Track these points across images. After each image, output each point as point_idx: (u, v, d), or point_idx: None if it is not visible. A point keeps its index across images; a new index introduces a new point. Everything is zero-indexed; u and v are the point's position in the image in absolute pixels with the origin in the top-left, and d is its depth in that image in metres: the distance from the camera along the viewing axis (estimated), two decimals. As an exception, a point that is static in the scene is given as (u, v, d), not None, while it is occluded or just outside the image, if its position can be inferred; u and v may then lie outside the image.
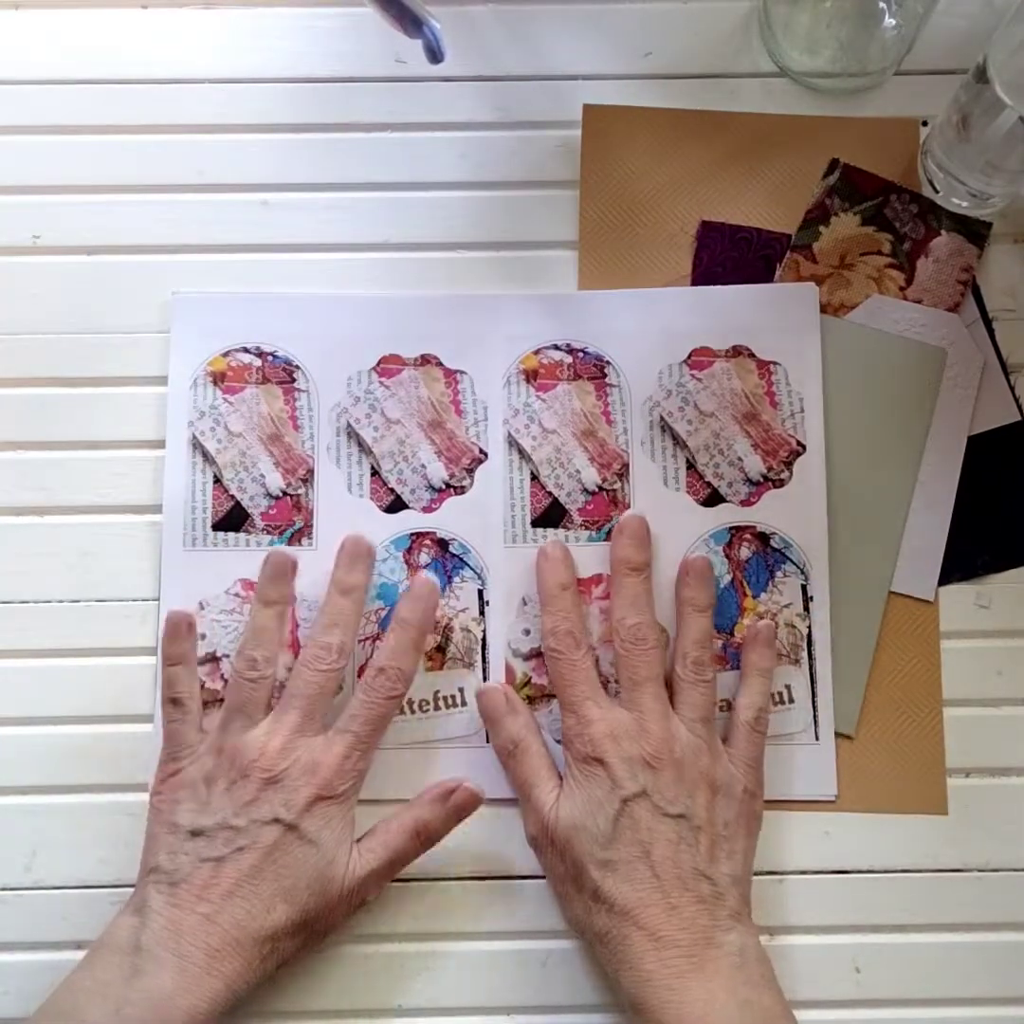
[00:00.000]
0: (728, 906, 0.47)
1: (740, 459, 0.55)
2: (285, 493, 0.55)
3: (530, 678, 0.54)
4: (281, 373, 0.56)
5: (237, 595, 0.54)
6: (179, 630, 0.52)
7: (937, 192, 0.56)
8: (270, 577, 0.53)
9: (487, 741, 0.53)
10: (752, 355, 0.56)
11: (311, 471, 0.55)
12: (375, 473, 0.55)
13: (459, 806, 0.50)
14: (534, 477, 0.55)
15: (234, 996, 0.46)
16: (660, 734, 0.49)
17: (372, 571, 0.53)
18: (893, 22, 0.55)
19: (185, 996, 0.45)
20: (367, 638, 0.54)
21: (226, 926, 0.46)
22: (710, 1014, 0.44)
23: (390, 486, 0.55)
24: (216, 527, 0.55)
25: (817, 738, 0.53)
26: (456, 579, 0.55)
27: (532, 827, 0.50)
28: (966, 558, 0.55)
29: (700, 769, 0.49)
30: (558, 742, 0.53)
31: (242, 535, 0.55)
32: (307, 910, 0.47)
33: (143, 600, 0.55)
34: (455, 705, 0.54)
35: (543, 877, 0.53)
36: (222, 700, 0.53)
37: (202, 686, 0.53)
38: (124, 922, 0.47)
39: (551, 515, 0.55)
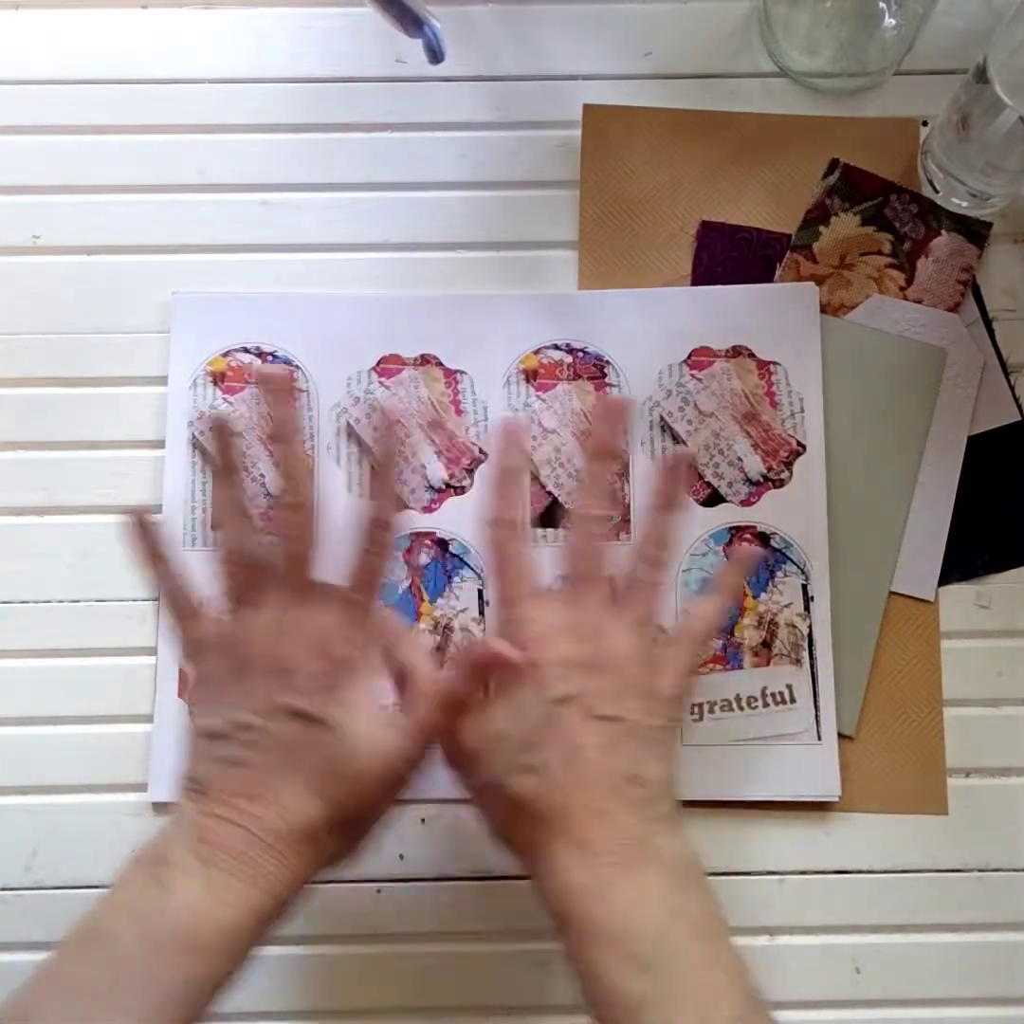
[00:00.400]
0: (660, 811, 0.43)
1: (740, 459, 0.55)
2: (285, 493, 0.55)
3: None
4: (281, 373, 0.56)
5: (237, 595, 0.54)
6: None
7: (937, 192, 0.56)
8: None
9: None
10: (752, 355, 0.56)
11: (311, 471, 0.55)
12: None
13: (476, 663, 0.45)
14: (534, 477, 0.55)
15: (274, 901, 0.41)
16: (598, 634, 0.45)
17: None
18: (893, 22, 0.55)
19: (215, 907, 0.40)
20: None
21: (255, 829, 0.42)
22: (635, 913, 0.41)
23: (390, 486, 0.55)
24: (216, 527, 0.55)
25: (819, 738, 0.53)
26: (456, 579, 0.55)
27: (445, 743, 0.46)
28: (966, 558, 0.55)
29: (635, 672, 0.45)
30: None
31: (242, 535, 0.55)
32: (340, 801, 0.42)
33: (143, 600, 0.55)
34: (455, 705, 0.54)
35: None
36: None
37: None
38: (157, 836, 0.43)
39: (551, 514, 0.55)
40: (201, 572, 0.54)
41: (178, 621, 0.46)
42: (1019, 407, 0.56)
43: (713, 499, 0.55)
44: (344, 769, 0.43)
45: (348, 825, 0.43)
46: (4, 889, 0.53)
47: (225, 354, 0.56)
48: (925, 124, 0.57)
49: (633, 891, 0.41)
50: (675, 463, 0.48)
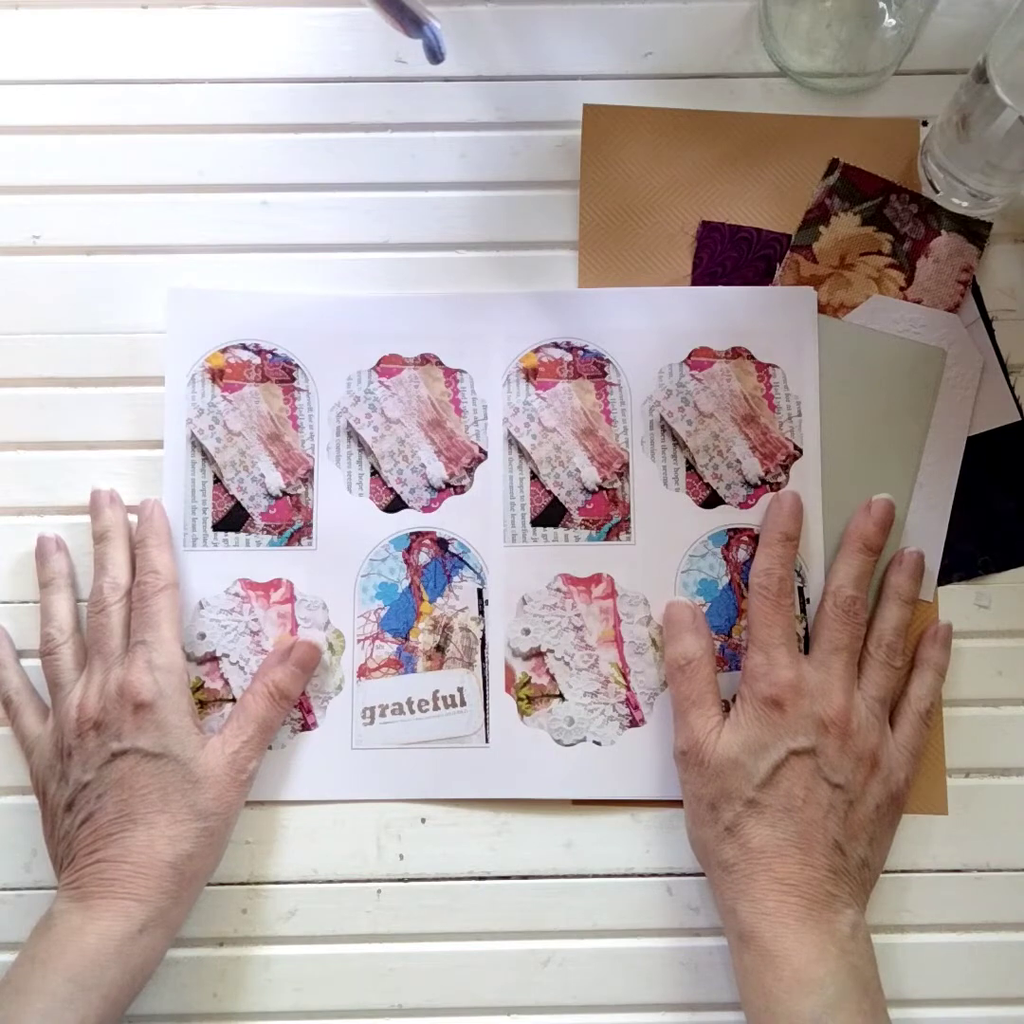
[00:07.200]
0: (850, 887, 0.48)
1: (739, 461, 0.55)
2: (285, 493, 0.55)
3: (530, 678, 0.54)
4: (280, 371, 0.56)
5: (237, 595, 0.55)
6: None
7: (937, 192, 0.56)
8: (38, 561, 0.55)
9: (487, 741, 0.53)
10: (751, 357, 0.56)
11: (311, 471, 0.55)
12: (375, 473, 0.56)
13: (301, 660, 0.52)
14: (534, 476, 0.55)
15: (156, 911, 0.47)
16: (842, 702, 0.49)
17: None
18: (893, 22, 0.55)
19: (94, 923, 0.47)
20: (366, 638, 0.54)
21: (130, 862, 0.48)
22: (820, 962, 0.45)
23: (390, 486, 0.55)
24: (216, 527, 0.55)
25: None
26: (455, 578, 0.55)
27: (684, 743, 0.50)
28: (966, 558, 0.55)
29: (869, 746, 0.49)
30: (558, 742, 0.53)
31: (242, 535, 0.55)
32: (195, 808, 0.49)
33: (143, 600, 0.55)
34: (454, 705, 0.54)
35: (543, 877, 0.53)
36: (222, 699, 0.53)
37: (201, 686, 0.54)
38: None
39: (551, 514, 0.55)
40: (201, 574, 0.55)
41: (13, 718, 0.53)
42: (1019, 407, 0.56)
43: (712, 501, 0.55)
44: (184, 781, 0.49)
45: (207, 828, 0.49)
46: (4, 889, 0.53)
47: (223, 350, 0.56)
48: (925, 124, 0.57)
49: (819, 937, 0.46)
50: (918, 560, 0.53)
